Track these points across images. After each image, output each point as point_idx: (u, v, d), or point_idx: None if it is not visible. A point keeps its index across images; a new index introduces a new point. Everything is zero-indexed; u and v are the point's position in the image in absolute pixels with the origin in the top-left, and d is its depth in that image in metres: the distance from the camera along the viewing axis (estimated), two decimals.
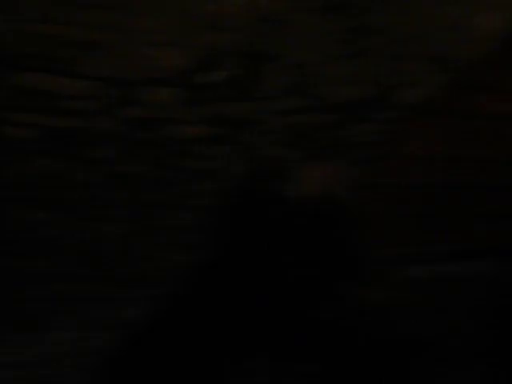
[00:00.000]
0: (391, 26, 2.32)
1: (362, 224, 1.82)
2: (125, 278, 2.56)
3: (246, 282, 2.00)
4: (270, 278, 1.91)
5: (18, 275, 2.40)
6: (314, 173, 1.80)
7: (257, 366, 2.00)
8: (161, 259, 2.54)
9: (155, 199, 2.41)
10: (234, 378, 2.01)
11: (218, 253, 2.27)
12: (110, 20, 2.09)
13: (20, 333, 2.46)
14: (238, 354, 2.04)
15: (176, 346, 2.27)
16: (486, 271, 2.93)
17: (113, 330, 2.53)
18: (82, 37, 2.10)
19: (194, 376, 2.16)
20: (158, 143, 2.30)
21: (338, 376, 1.96)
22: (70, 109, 2.18)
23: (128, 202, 2.38)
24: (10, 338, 2.45)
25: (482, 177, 2.89)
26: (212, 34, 2.16)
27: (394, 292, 2.27)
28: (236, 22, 2.15)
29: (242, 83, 2.28)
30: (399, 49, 2.42)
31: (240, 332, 2.08)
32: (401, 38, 2.39)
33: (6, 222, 2.29)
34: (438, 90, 2.53)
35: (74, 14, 2.06)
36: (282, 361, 1.98)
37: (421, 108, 2.60)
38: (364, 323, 1.95)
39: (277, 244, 1.88)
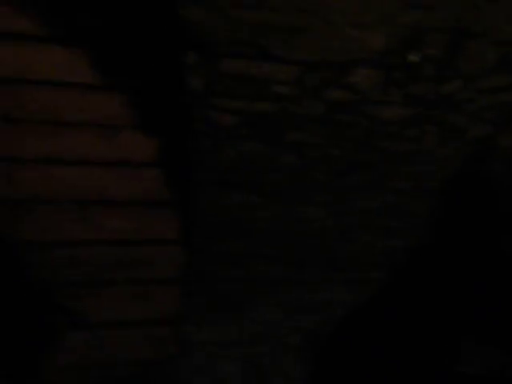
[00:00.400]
0: None
1: None
2: (328, 261, 2.57)
3: (462, 267, 1.93)
4: (487, 263, 1.83)
5: (222, 256, 2.48)
6: None
7: (464, 350, 1.93)
8: (366, 242, 2.52)
9: (358, 181, 2.39)
10: (440, 363, 1.96)
11: (430, 237, 2.21)
12: (314, 4, 2.09)
13: (225, 312, 2.55)
14: (445, 338, 1.98)
15: (384, 330, 2.25)
16: None
17: (319, 312, 2.55)
18: (286, 22, 2.12)
19: (398, 360, 2.12)
20: (360, 125, 2.28)
21: None
22: (274, 93, 2.21)
23: (330, 184, 2.38)
24: (214, 317, 2.54)
25: None
26: (416, 12, 2.10)
27: None
28: None
29: (446, 61, 2.21)
30: None
31: (448, 317, 2.02)
32: None
33: (212, 204, 2.37)
34: None
35: (278, 0, 2.09)
36: (490, 348, 1.90)
37: None
38: None
39: (496, 228, 1.80)
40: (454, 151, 2.33)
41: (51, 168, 2.29)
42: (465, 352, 1.96)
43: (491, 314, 1.92)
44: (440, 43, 2.17)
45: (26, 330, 1.94)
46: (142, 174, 2.32)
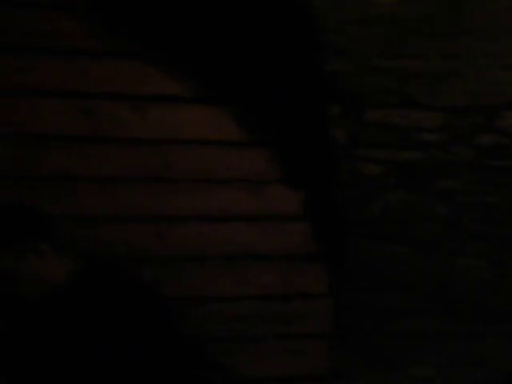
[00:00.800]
0: None
1: None
2: (486, 314, 2.44)
3: None
4: None
5: (372, 310, 2.42)
6: None
7: None
8: None
9: None
10: None
11: None
12: (460, 48, 2.04)
13: (376, 368, 2.47)
14: None
15: None
16: None
17: (479, 368, 2.41)
18: (430, 68, 2.08)
19: None
20: None
21: None
22: (421, 141, 2.15)
23: (486, 233, 2.27)
24: (365, 373, 2.47)
25: None
26: None
27: None
28: None
29: None
30: None
31: None
32: None
33: (360, 257, 2.33)
34: None
35: (419, 46, 2.05)
36: None
37: None
38: None
39: None
40: None
41: (200, 225, 2.34)
42: None
43: None
44: None
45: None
46: (288, 227, 2.33)
